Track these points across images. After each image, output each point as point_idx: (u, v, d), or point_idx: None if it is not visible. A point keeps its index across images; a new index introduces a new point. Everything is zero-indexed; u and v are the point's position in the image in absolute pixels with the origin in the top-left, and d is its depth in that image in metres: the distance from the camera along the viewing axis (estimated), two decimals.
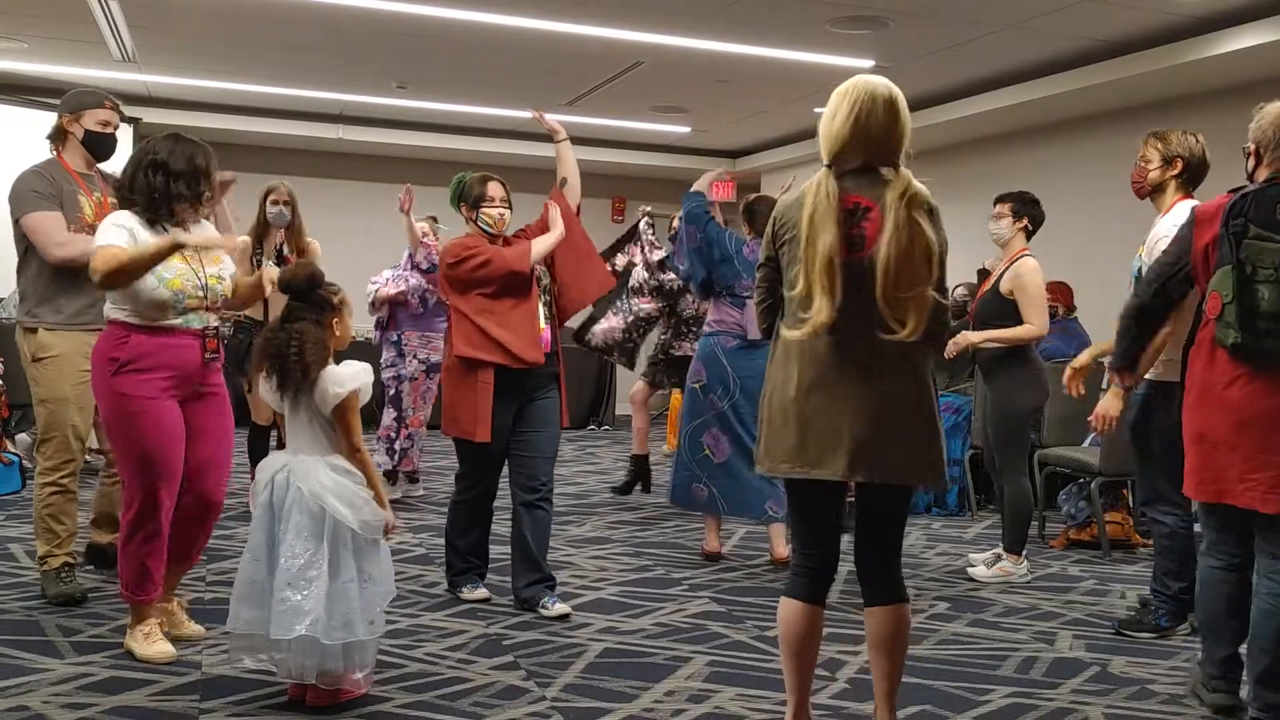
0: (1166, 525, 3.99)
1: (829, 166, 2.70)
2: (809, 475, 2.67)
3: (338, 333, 3.16)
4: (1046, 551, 5.59)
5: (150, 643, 3.45)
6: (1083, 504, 5.76)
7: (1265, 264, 2.91)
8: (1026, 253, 4.94)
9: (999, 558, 4.99)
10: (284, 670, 3.05)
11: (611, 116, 9.94)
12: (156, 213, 3.40)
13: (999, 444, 4.96)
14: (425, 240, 6.30)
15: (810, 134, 10.46)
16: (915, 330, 2.60)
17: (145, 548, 3.40)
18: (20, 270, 4.06)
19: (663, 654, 3.72)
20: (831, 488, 2.73)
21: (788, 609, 2.77)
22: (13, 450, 6.32)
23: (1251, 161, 3.18)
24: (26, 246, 3.99)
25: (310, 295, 3.14)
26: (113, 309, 3.37)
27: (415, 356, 6.29)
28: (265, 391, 3.14)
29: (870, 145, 2.68)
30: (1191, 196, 4.00)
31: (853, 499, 2.83)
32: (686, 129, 10.54)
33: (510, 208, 4.21)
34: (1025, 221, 4.99)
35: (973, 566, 5.04)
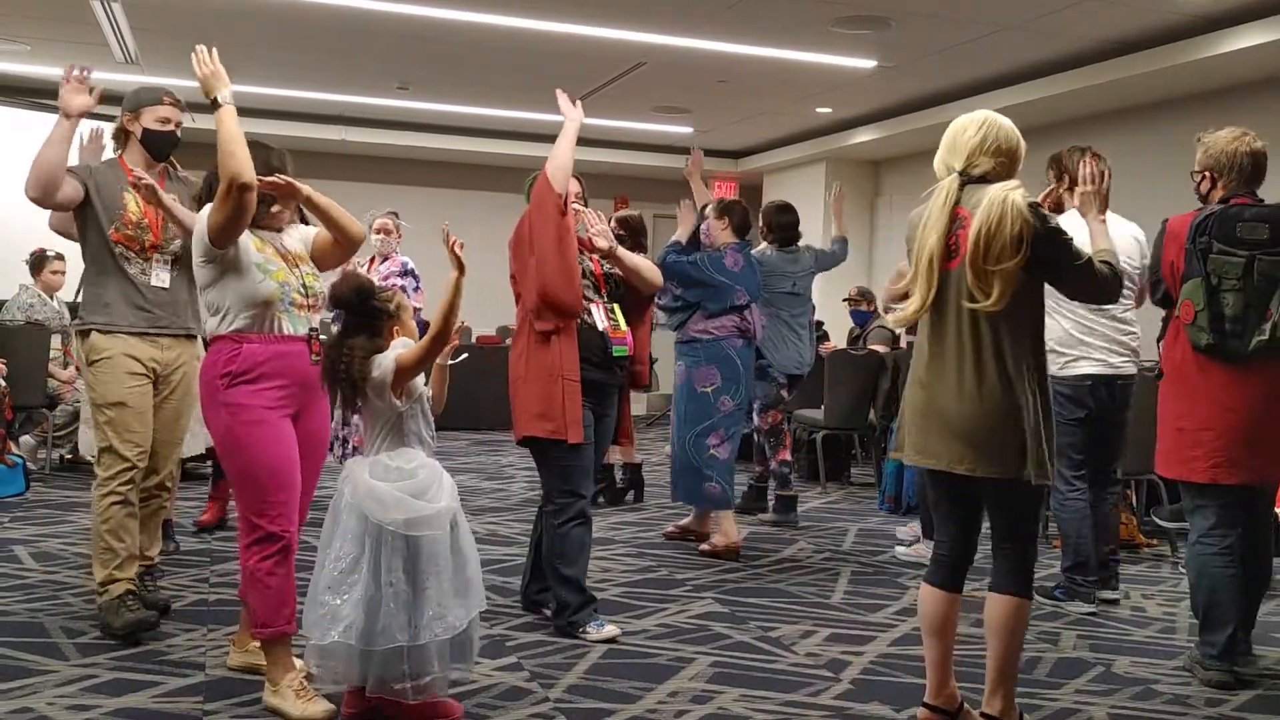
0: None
1: (959, 173, 2.93)
2: (919, 464, 2.99)
3: (400, 336, 3.08)
4: (1050, 552, 5.58)
5: (307, 701, 3.03)
6: None
7: (1230, 275, 3.42)
8: None
9: (918, 539, 5.35)
10: (328, 676, 2.95)
11: (614, 117, 9.95)
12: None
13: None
14: (393, 257, 6.26)
15: (812, 133, 10.51)
16: (999, 302, 2.77)
17: (287, 569, 3.11)
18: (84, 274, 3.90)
19: (666, 655, 3.72)
20: (953, 478, 2.92)
21: (923, 594, 3.01)
22: (17, 453, 6.33)
23: (1205, 184, 3.65)
24: (84, 249, 3.81)
25: (363, 308, 3.03)
26: (218, 324, 3.15)
27: None
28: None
29: (996, 155, 2.92)
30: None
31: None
32: (689, 129, 10.54)
33: (585, 201, 4.09)
34: None
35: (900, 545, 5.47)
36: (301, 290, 3.21)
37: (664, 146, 11.48)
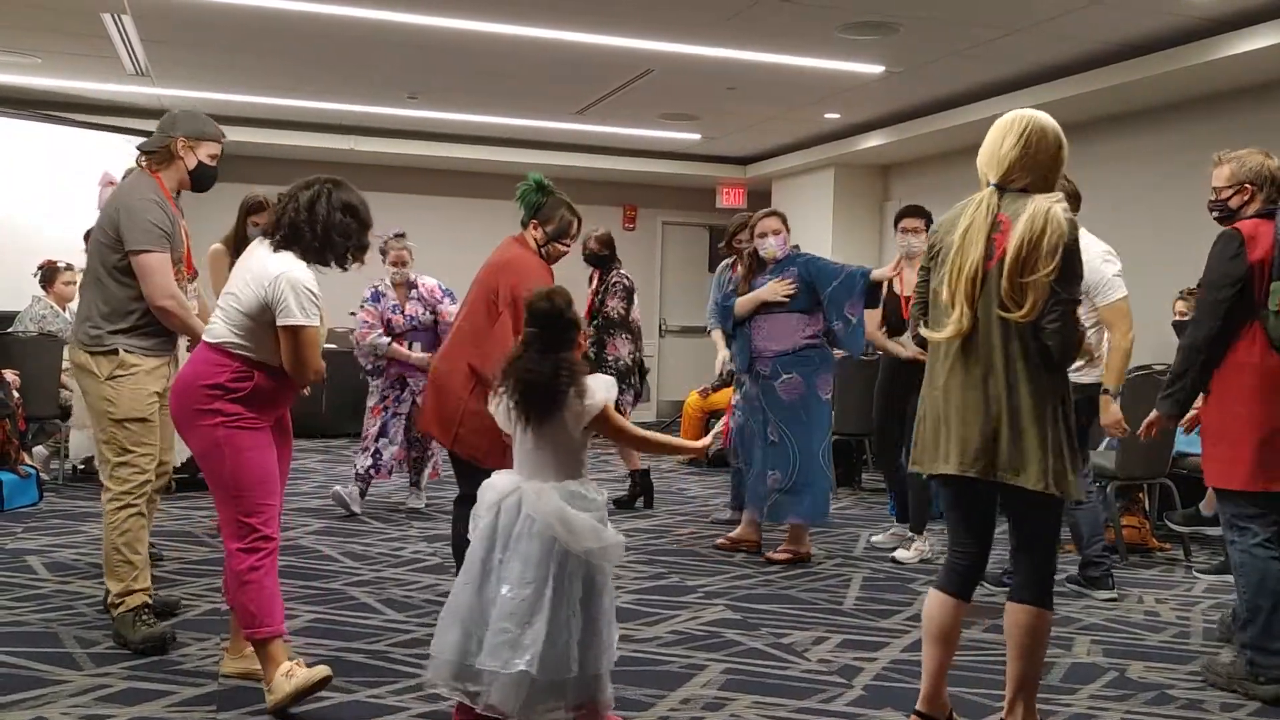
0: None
1: (996, 186, 2.88)
2: (934, 471, 2.91)
3: (582, 347, 3.05)
4: (1063, 556, 5.55)
5: (296, 676, 3.10)
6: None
7: None
8: None
9: (910, 537, 5.47)
10: (482, 702, 2.79)
11: (622, 124, 9.96)
12: (339, 258, 3.27)
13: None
14: (419, 281, 6.30)
15: (820, 139, 10.50)
16: (1030, 313, 2.75)
17: (273, 570, 3.20)
18: (97, 286, 3.79)
19: (678, 662, 3.71)
20: (968, 486, 2.90)
21: (931, 599, 2.99)
22: (30, 463, 6.36)
23: (1242, 197, 3.68)
24: (115, 267, 3.76)
25: (565, 321, 2.89)
26: (238, 344, 3.18)
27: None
28: (499, 412, 2.92)
29: (1036, 168, 2.88)
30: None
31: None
32: (697, 136, 10.55)
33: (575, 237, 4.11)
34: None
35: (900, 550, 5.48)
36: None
37: (672, 154, 11.49)
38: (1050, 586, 2.93)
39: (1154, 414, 3.77)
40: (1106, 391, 4.40)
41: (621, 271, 6.69)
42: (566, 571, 2.76)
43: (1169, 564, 5.52)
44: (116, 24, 7.02)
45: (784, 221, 5.45)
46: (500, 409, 2.91)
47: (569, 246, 4.06)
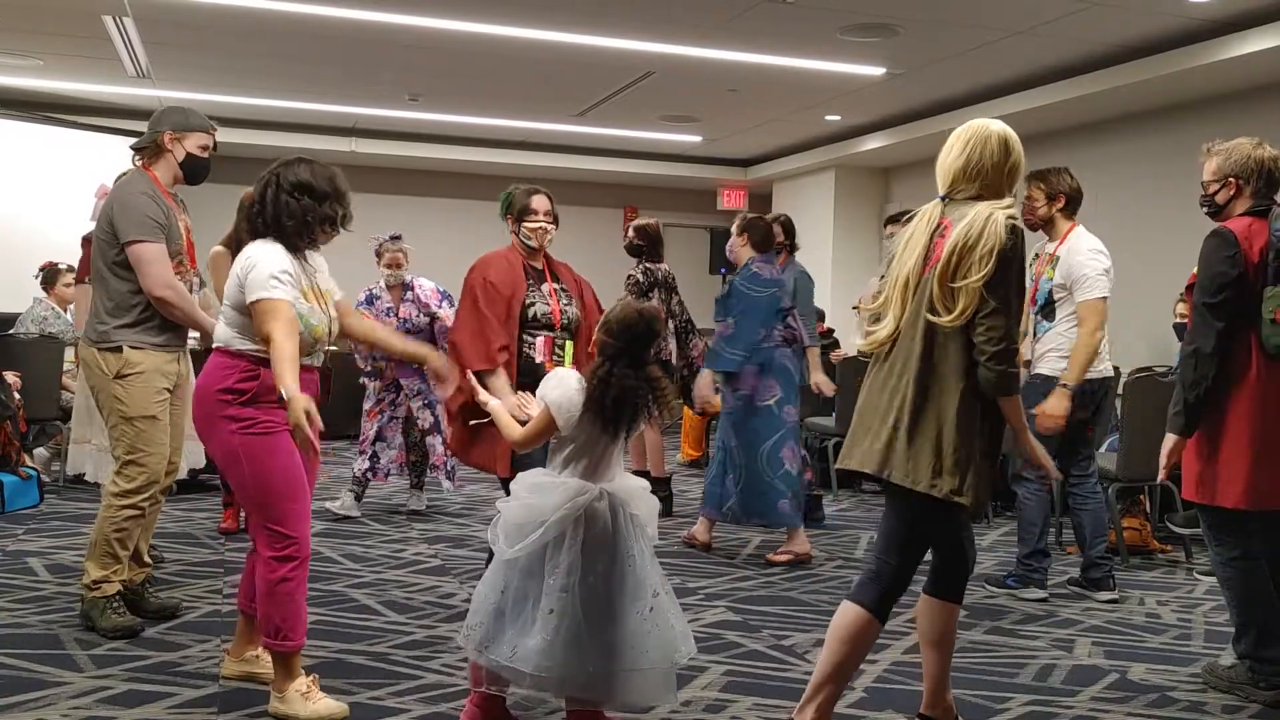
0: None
1: (942, 198, 2.89)
2: (844, 467, 2.92)
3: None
4: (1063, 558, 5.56)
5: (314, 701, 3.07)
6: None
7: None
8: None
9: None
10: (616, 705, 2.85)
11: (622, 126, 9.97)
12: (301, 238, 3.19)
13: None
14: (416, 283, 6.19)
15: (821, 141, 10.51)
16: (959, 318, 2.72)
17: (302, 580, 3.14)
18: (100, 283, 3.83)
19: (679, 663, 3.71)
20: (895, 492, 2.85)
21: (920, 604, 3.00)
22: (31, 465, 6.36)
23: (1228, 191, 3.55)
24: (114, 262, 3.78)
25: (652, 339, 2.87)
26: (239, 341, 3.13)
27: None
28: (569, 417, 2.84)
29: (981, 178, 2.85)
30: (1077, 223, 4.65)
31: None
32: (698, 138, 10.56)
33: (555, 222, 4.12)
34: None
35: None
36: (328, 335, 3.25)
37: (673, 155, 11.50)
38: (959, 583, 2.98)
39: (1170, 440, 3.53)
40: (1065, 386, 4.33)
41: (646, 265, 6.41)
42: (655, 563, 2.88)
43: (1170, 566, 5.52)
44: (118, 26, 7.03)
45: (741, 228, 5.51)
46: (575, 414, 2.82)
47: (540, 219, 4.05)
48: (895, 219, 5.79)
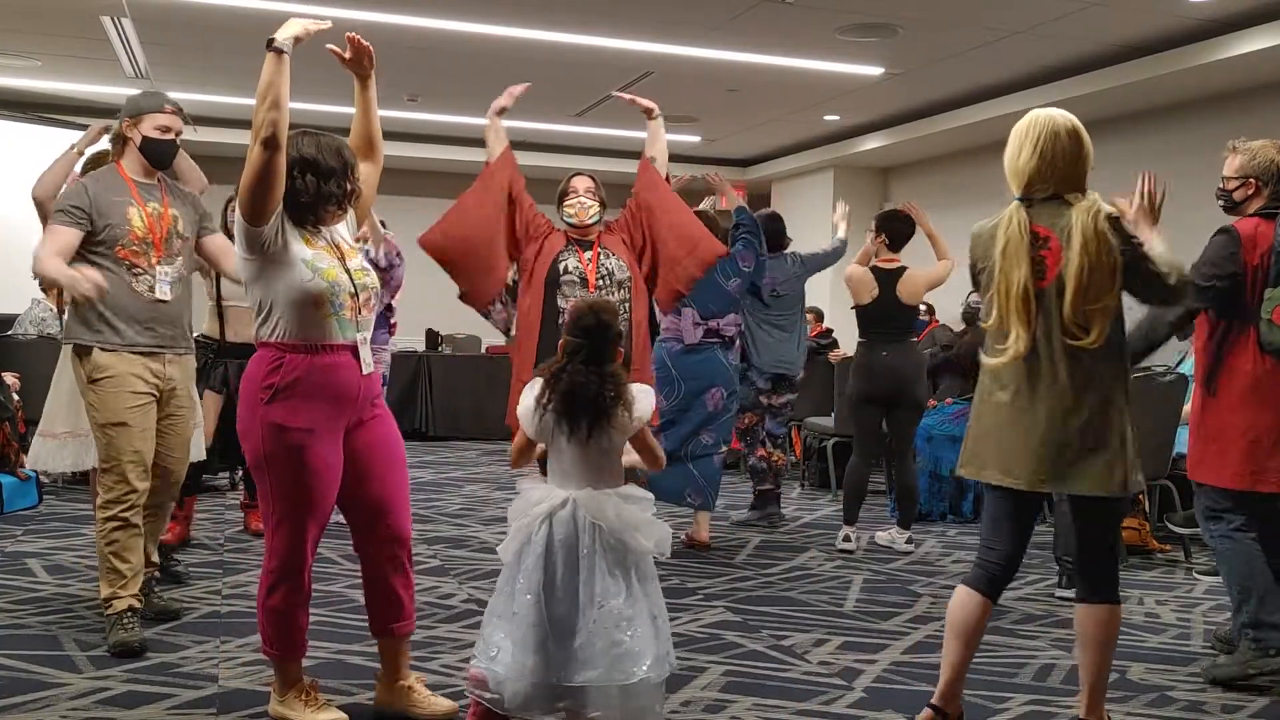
0: None
1: (1020, 200, 2.84)
2: (1002, 483, 2.87)
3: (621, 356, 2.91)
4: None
5: (315, 710, 3.03)
6: None
7: None
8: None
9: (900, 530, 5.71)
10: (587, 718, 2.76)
11: (621, 127, 9.97)
12: (305, 217, 3.01)
13: None
14: (388, 236, 5.94)
15: (820, 141, 10.52)
16: (1098, 338, 2.74)
17: (291, 599, 3.02)
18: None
19: (679, 664, 3.70)
20: (1019, 496, 2.89)
21: (959, 595, 2.97)
22: (30, 466, 6.35)
23: (1246, 190, 3.63)
24: (82, 261, 3.70)
25: (606, 332, 2.81)
26: (262, 327, 2.97)
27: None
28: (532, 421, 2.83)
29: (1057, 175, 2.81)
30: None
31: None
32: (697, 138, 10.56)
33: (601, 202, 4.26)
34: (884, 237, 5.72)
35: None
36: (352, 290, 3.00)
37: (672, 155, 11.46)
38: (1117, 581, 3.02)
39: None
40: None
41: None
42: (640, 573, 2.79)
43: (1169, 565, 5.52)
44: (116, 27, 7.02)
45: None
46: (534, 418, 2.81)
47: (579, 196, 4.39)
48: (887, 218, 5.85)
